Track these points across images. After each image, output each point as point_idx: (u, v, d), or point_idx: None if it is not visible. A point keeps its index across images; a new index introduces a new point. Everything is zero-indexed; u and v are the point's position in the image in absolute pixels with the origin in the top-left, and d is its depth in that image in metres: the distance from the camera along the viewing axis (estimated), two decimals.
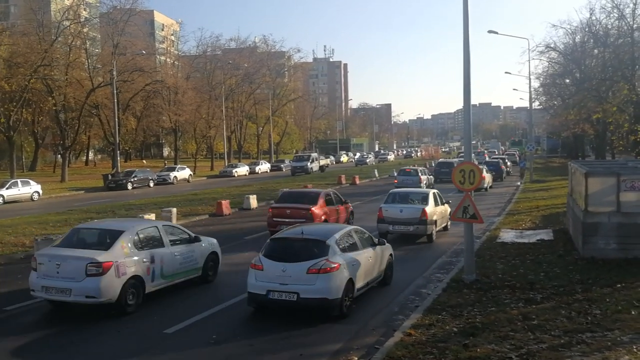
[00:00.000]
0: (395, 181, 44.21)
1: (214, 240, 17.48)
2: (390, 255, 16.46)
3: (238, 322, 13.07)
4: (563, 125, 75.26)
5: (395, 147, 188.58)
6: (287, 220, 22.67)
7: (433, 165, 61.74)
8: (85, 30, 70.74)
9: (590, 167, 19.85)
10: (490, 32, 52.38)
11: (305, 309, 12.96)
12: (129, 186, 53.98)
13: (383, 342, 11.31)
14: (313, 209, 23.49)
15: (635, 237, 17.29)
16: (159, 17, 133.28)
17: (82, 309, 13.64)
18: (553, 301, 13.43)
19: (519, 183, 51.54)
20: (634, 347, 10.24)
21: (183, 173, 65.35)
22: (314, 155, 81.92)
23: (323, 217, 23.63)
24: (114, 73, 59.25)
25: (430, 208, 22.87)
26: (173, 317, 13.22)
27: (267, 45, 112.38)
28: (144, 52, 72.38)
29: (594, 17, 52.86)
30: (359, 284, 13.84)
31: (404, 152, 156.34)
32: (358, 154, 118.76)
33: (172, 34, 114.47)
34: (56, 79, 63.50)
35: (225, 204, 33.13)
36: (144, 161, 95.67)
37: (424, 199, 23.52)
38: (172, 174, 62.81)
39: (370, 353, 10.85)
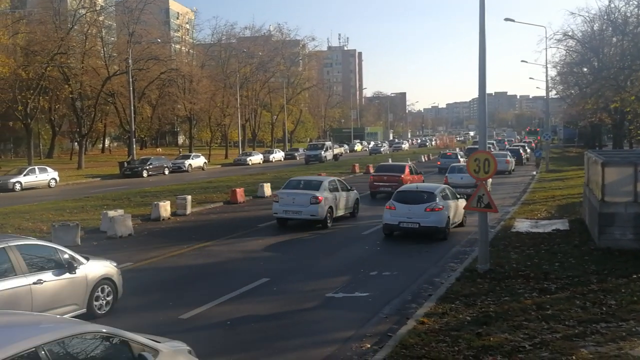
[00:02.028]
0: (439, 163, 53.87)
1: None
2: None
3: (251, 308, 13.12)
4: (580, 115, 74.60)
5: (409, 136, 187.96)
6: (383, 184, 33.63)
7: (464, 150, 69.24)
8: (101, 18, 70.86)
9: (607, 157, 19.69)
10: (506, 20, 52.00)
11: (423, 233, 20.79)
12: (145, 174, 54.19)
13: (396, 329, 11.31)
14: (402, 176, 33.48)
15: None
16: (174, 6, 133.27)
17: None
18: (568, 291, 13.36)
19: (534, 172, 51.26)
20: None
21: (198, 161, 65.52)
22: (328, 143, 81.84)
23: (408, 181, 32.06)
24: (130, 61, 59.43)
25: None
26: (190, 303, 13.29)
27: (281, 34, 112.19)
28: (159, 40, 72.50)
29: (612, 5, 52.14)
30: (452, 220, 21.68)
31: (419, 141, 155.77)
32: (372, 143, 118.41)
33: (187, 23, 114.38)
34: (72, 67, 63.78)
35: (239, 191, 33.22)
36: (159, 149, 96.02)
37: None
38: (187, 162, 63.00)
39: (382, 340, 10.87)
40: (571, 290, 13.40)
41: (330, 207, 23.88)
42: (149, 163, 56.26)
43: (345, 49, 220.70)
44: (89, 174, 55.89)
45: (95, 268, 12.36)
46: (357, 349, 10.62)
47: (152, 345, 6.85)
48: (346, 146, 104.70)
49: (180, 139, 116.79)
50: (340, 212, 25.07)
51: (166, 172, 57.67)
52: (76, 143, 71.93)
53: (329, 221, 23.77)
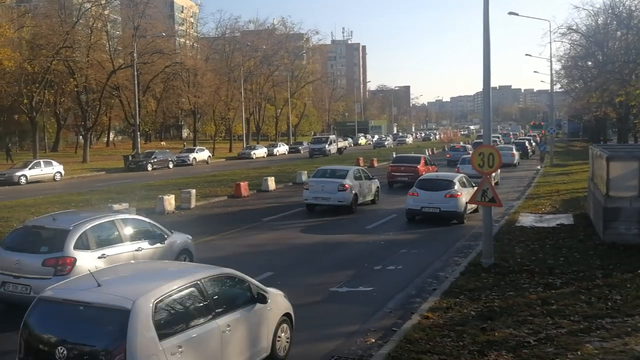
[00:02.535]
0: (448, 155, 55.66)
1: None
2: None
3: None
4: (585, 109, 74.47)
5: (413, 130, 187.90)
6: (400, 174, 36.31)
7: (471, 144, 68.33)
8: (106, 12, 70.81)
9: (612, 151, 19.64)
10: (510, 13, 52.00)
11: (443, 218, 23.02)
12: (149, 167, 54.26)
13: (400, 324, 11.34)
14: (418, 166, 36.05)
15: None
16: (179, 0, 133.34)
17: None
18: (573, 286, 13.36)
19: (539, 167, 51.18)
20: None
21: (202, 154, 65.58)
22: (332, 137, 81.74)
23: (424, 172, 33.65)
24: (135, 55, 59.41)
25: None
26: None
27: (285, 27, 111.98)
28: (163, 34, 72.51)
29: None
30: (469, 207, 23.42)
31: (423, 134, 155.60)
32: (376, 137, 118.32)
33: (191, 16, 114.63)
34: (78, 61, 63.82)
35: (243, 185, 33.23)
36: (163, 142, 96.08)
37: None
38: (191, 156, 63.11)
39: (387, 335, 10.89)
40: (576, 285, 13.39)
41: (355, 194, 26.22)
42: (153, 157, 56.33)
43: (349, 42, 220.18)
44: (93, 167, 55.98)
45: (179, 239, 14.76)
46: (361, 344, 10.65)
47: (263, 287, 9.51)
48: (350, 140, 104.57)
49: (185, 133, 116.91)
50: (364, 199, 27.61)
51: (170, 165, 57.73)
52: (81, 136, 71.98)
53: (354, 207, 26.12)
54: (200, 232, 21.43)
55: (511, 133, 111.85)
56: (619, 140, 69.31)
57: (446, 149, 68.30)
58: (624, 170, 17.73)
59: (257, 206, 29.11)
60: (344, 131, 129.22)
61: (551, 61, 62.51)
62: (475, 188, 23.22)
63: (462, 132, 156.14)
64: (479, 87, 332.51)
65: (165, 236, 14.09)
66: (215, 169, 55.35)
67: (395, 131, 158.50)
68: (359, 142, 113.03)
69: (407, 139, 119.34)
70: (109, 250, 12.53)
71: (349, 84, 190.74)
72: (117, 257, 12.44)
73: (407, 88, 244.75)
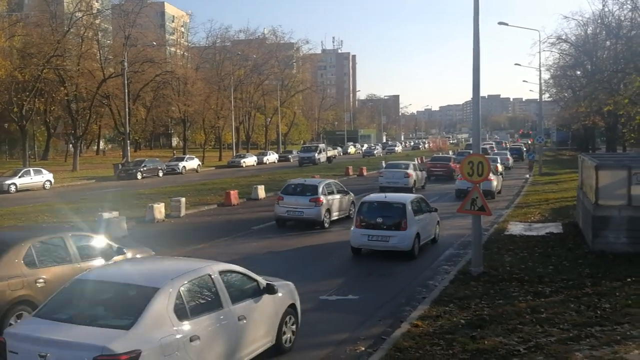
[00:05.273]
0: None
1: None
2: None
3: None
4: (573, 118, 74.82)
5: (403, 139, 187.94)
6: (436, 169, 47.94)
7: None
8: (97, 21, 70.82)
9: (600, 160, 19.76)
10: (500, 23, 51.99)
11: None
12: (139, 176, 54.06)
13: (390, 332, 11.34)
14: (450, 164, 47.74)
15: None
16: (170, 9, 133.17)
17: None
18: (562, 295, 13.40)
19: (527, 176, 51.37)
20: None
21: (191, 163, 65.43)
22: (322, 146, 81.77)
23: (455, 167, 43.63)
24: (125, 64, 59.30)
25: None
26: None
27: (276, 37, 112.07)
28: (154, 43, 72.56)
29: (606, 9, 52.38)
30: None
31: (412, 143, 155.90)
32: (365, 146, 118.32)
33: (182, 26, 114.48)
34: (68, 70, 63.70)
35: (233, 194, 33.20)
36: (152, 152, 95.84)
37: None
38: (181, 164, 62.95)
39: (377, 343, 10.88)
40: (565, 294, 13.43)
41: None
42: (143, 165, 56.16)
43: (339, 51, 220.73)
44: (83, 175, 55.75)
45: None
46: (351, 352, 10.64)
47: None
48: (340, 149, 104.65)
49: (174, 141, 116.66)
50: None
51: (160, 174, 57.54)
52: (71, 145, 71.82)
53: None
54: (191, 240, 21.40)
55: (503, 142, 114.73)
56: (607, 149, 69.68)
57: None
58: (613, 179, 17.83)
59: (247, 214, 29.08)
60: (333, 140, 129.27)
61: (540, 70, 63.18)
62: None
63: (451, 141, 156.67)
64: (467, 96, 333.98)
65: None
66: (205, 177, 55.24)
67: (384, 140, 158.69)
68: (349, 151, 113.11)
69: (396, 148, 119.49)
70: (331, 197, 25.21)
71: (338, 93, 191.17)
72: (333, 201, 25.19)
73: (397, 97, 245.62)
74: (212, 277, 8.99)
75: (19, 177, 43.92)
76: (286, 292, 10.73)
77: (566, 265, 16.19)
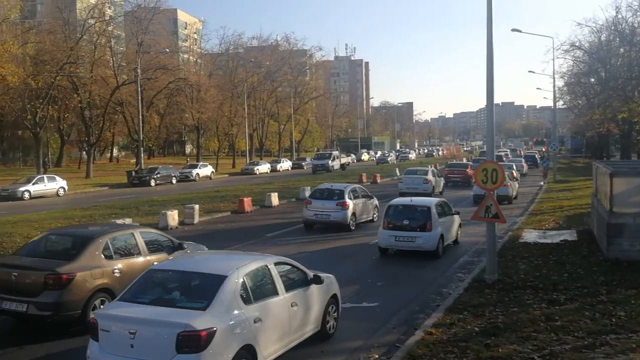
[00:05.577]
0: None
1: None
2: None
3: None
4: (587, 125, 74.59)
5: (416, 146, 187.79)
6: (454, 175, 49.00)
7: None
8: (110, 28, 71.31)
9: (615, 167, 19.63)
10: (514, 30, 52.09)
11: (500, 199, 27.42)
12: (152, 183, 54.36)
13: (404, 340, 11.31)
14: (467, 170, 48.00)
15: None
16: (182, 16, 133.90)
17: None
18: (577, 302, 13.32)
19: (542, 183, 51.17)
20: None
21: (205, 170, 65.70)
22: (335, 153, 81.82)
23: (471, 173, 41.26)
24: (138, 71, 59.70)
25: None
26: None
27: (289, 44, 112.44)
28: (167, 50, 72.79)
29: (620, 16, 52.28)
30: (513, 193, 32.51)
31: (426, 150, 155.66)
32: (379, 153, 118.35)
33: (195, 32, 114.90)
34: (81, 77, 64.16)
35: (247, 201, 33.26)
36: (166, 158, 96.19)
37: None
38: (195, 171, 63.20)
39: (390, 351, 10.86)
40: (580, 301, 13.36)
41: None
42: (156, 172, 56.43)
43: (352, 58, 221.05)
44: (97, 182, 56.07)
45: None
46: (365, 359, 10.61)
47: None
48: (353, 156, 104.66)
49: (188, 148, 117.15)
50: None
51: (174, 181, 57.83)
52: (84, 152, 72.24)
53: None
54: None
55: (517, 149, 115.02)
56: (622, 157, 69.34)
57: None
58: (628, 186, 17.72)
59: (261, 222, 29.11)
60: (347, 147, 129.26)
61: (554, 78, 62.86)
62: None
63: (465, 149, 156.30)
64: (481, 103, 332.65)
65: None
66: (218, 184, 55.39)
67: (398, 147, 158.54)
68: (362, 158, 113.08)
69: (410, 155, 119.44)
70: (356, 201, 26.20)
71: (352, 100, 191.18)
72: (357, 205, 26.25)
73: (410, 104, 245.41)
74: (269, 267, 10.16)
75: (33, 184, 44.23)
76: (329, 284, 11.87)
77: (581, 273, 16.10)
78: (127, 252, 13.21)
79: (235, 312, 8.88)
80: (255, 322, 9.09)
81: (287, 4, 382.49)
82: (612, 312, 12.42)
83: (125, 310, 8.89)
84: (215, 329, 8.35)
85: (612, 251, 17.53)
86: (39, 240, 13.47)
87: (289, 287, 10.30)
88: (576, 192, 40.87)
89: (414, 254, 19.60)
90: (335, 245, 22.38)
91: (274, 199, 35.87)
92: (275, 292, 9.91)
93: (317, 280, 11.11)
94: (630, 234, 17.26)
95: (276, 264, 10.43)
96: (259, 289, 9.67)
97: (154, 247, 13.89)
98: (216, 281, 9.08)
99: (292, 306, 10.15)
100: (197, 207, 29.29)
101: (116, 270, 12.59)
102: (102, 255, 12.52)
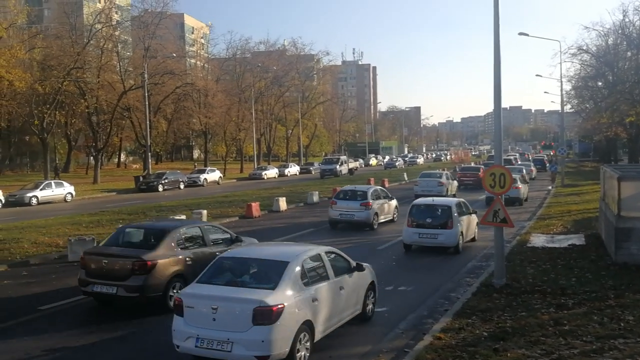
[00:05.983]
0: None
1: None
2: None
3: None
4: (595, 129, 74.43)
5: (424, 150, 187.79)
6: (467, 178, 50.31)
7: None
8: (116, 33, 71.64)
9: (623, 171, 19.57)
10: (521, 34, 51.85)
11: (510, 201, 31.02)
12: (160, 188, 54.49)
13: (412, 345, 11.30)
14: (479, 174, 47.37)
15: None
16: (189, 20, 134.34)
17: None
18: (585, 307, 13.27)
19: (550, 187, 51.02)
20: None
21: (213, 175, 65.84)
22: (343, 158, 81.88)
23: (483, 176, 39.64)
24: (145, 76, 59.94)
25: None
26: None
27: (296, 48, 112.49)
28: (174, 55, 73.01)
29: (627, 19, 52.19)
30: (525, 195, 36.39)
31: (434, 155, 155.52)
32: (387, 157, 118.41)
33: (202, 37, 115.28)
34: (88, 82, 64.45)
35: (255, 206, 33.31)
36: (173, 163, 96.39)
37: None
38: (202, 176, 63.31)
39: (399, 356, 10.86)
40: (588, 306, 13.31)
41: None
42: (164, 177, 56.55)
43: (360, 63, 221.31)
44: (104, 188, 56.28)
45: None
46: None
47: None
48: (361, 160, 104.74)
49: (196, 153, 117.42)
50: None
51: (181, 186, 57.95)
52: (92, 157, 72.50)
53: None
54: None
55: (526, 153, 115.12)
56: (630, 161, 69.05)
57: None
58: (636, 190, 17.65)
59: (269, 226, 29.14)
60: (354, 152, 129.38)
61: (561, 81, 62.73)
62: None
63: (473, 153, 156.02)
64: (489, 107, 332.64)
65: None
66: (226, 189, 55.44)
67: (406, 152, 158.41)
68: (370, 163, 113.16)
69: (418, 160, 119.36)
70: (379, 201, 27.77)
71: (359, 105, 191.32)
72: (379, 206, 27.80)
73: (418, 109, 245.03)
74: (321, 255, 11.69)
75: (41, 189, 44.42)
76: (368, 272, 13.36)
77: (589, 277, 16.05)
78: (196, 243, 15.14)
79: (298, 292, 10.30)
80: (313, 301, 10.51)
81: (295, 9, 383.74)
82: (620, 317, 12.37)
83: (207, 289, 10.39)
84: (283, 305, 9.79)
85: (620, 255, 17.46)
86: (116, 234, 15.42)
87: (337, 273, 11.76)
88: (584, 196, 40.73)
89: (426, 257, 19.97)
90: (343, 250, 22.31)
91: (282, 203, 35.90)
92: (327, 277, 11.37)
93: (359, 268, 12.62)
94: (638, 238, 17.17)
95: (326, 252, 12.00)
96: (314, 273, 11.14)
97: (216, 239, 15.90)
98: (280, 266, 10.56)
99: (340, 289, 11.61)
100: (205, 212, 29.37)
101: (187, 259, 14.46)
102: (177, 246, 14.45)
